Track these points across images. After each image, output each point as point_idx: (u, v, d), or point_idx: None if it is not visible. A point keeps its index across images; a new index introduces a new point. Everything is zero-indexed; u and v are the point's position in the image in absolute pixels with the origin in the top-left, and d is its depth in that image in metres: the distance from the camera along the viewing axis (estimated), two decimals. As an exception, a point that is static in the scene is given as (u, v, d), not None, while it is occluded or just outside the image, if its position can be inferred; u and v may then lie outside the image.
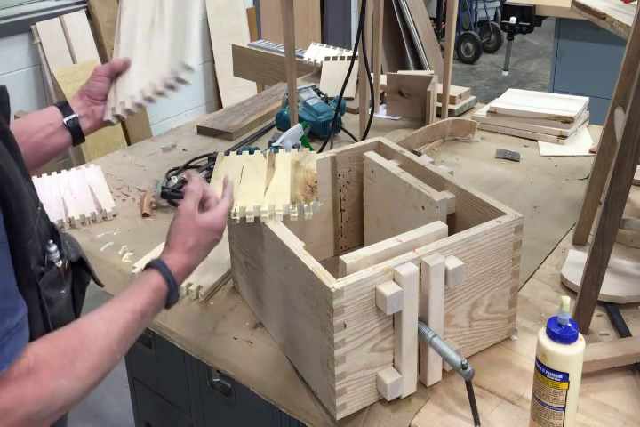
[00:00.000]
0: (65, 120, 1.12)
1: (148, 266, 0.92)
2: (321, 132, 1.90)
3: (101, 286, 1.06)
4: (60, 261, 0.86)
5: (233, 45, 2.68)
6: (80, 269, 0.95)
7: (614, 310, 1.20)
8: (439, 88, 2.00)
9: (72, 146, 1.16)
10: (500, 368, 1.09)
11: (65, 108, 1.13)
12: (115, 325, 0.79)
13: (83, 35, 3.24)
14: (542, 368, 0.90)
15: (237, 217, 1.07)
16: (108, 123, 1.16)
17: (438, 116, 2.00)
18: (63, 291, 0.86)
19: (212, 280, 1.32)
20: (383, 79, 2.15)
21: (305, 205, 1.07)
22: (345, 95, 1.83)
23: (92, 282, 1.03)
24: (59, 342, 0.74)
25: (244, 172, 1.18)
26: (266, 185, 1.13)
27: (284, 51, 1.88)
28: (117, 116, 1.14)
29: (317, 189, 1.11)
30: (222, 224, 1.01)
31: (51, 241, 0.85)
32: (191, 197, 0.99)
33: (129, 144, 3.28)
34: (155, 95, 1.11)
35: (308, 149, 1.24)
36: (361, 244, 1.40)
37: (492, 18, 6.35)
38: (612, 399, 1.02)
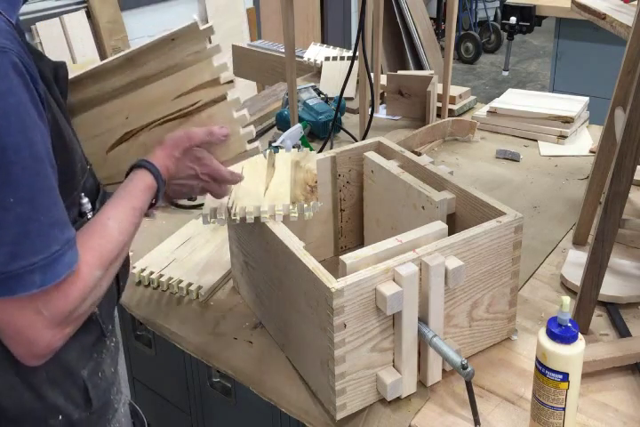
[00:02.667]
0: None
1: (137, 166, 0.95)
2: (321, 132, 1.90)
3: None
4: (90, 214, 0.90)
5: (233, 45, 2.68)
6: None
7: (614, 310, 1.20)
8: (439, 88, 2.00)
9: None
10: (500, 368, 1.09)
11: None
12: (123, 222, 0.87)
13: (83, 35, 3.24)
14: (542, 368, 0.90)
15: (237, 217, 1.07)
16: None
17: (438, 116, 2.00)
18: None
19: (212, 280, 1.32)
20: (383, 79, 2.15)
21: (305, 205, 1.07)
22: (345, 95, 1.83)
23: None
24: (86, 240, 0.82)
25: (243, 172, 1.18)
26: (266, 185, 1.13)
27: (284, 51, 1.88)
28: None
29: (317, 189, 1.11)
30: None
31: (82, 194, 0.89)
32: (189, 133, 0.99)
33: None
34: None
35: (307, 149, 1.24)
36: (361, 244, 1.40)
37: (492, 18, 6.35)
38: (612, 399, 1.02)
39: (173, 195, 1.05)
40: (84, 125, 1.03)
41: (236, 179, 1.05)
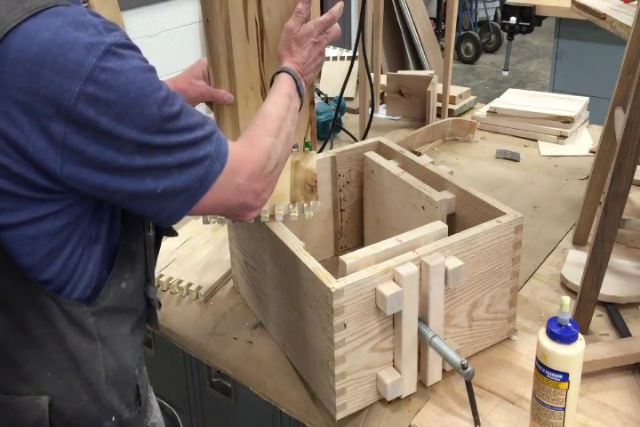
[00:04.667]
0: None
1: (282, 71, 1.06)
2: (321, 132, 1.90)
3: (175, 234, 1.11)
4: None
5: (233, 45, 2.67)
6: None
7: (614, 310, 1.20)
8: (439, 88, 2.00)
9: None
10: (500, 368, 1.09)
11: None
12: (277, 103, 1.00)
13: (83, 35, 3.23)
14: (542, 368, 0.90)
15: None
16: None
17: (438, 116, 2.00)
18: (150, 232, 0.98)
19: (212, 280, 1.32)
20: (383, 79, 2.15)
21: (305, 205, 1.07)
22: (345, 95, 1.82)
23: None
24: (252, 121, 0.97)
25: None
26: None
27: (284, 51, 1.87)
28: None
29: (317, 188, 1.11)
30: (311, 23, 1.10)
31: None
32: (297, 17, 1.08)
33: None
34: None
35: (307, 148, 1.24)
36: (361, 244, 1.40)
37: (492, 18, 6.35)
38: (612, 399, 1.02)
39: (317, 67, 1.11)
40: None
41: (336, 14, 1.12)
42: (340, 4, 1.12)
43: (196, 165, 0.82)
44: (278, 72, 1.05)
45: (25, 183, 0.75)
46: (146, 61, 0.80)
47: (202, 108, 1.26)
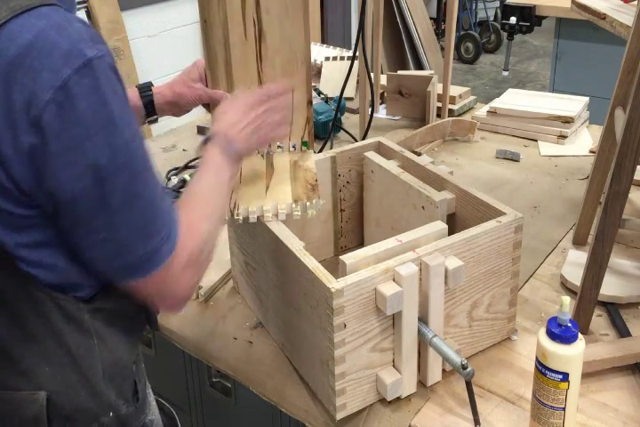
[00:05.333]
0: (147, 119, 1.20)
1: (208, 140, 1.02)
2: (321, 132, 1.90)
3: None
4: None
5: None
6: None
7: (614, 310, 1.20)
8: (439, 88, 2.00)
9: None
10: (500, 368, 1.09)
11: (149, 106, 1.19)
12: (209, 182, 0.96)
13: (83, 35, 3.23)
14: (542, 368, 0.90)
15: (240, 217, 1.07)
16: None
17: (438, 116, 2.00)
18: None
19: (212, 280, 1.32)
20: (383, 79, 2.15)
21: (308, 204, 1.07)
22: (345, 95, 1.82)
23: None
24: (185, 205, 0.91)
25: (242, 172, 1.18)
26: (266, 185, 1.13)
27: (284, 51, 1.87)
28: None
29: (318, 187, 1.11)
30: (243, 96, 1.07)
31: None
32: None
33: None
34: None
35: (305, 148, 1.24)
36: (361, 244, 1.40)
37: (492, 18, 6.35)
38: (612, 399, 1.02)
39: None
40: None
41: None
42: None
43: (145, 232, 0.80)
44: (206, 141, 1.02)
45: (15, 199, 0.74)
46: (124, 90, 0.78)
47: (200, 110, 1.27)
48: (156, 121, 1.21)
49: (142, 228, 0.80)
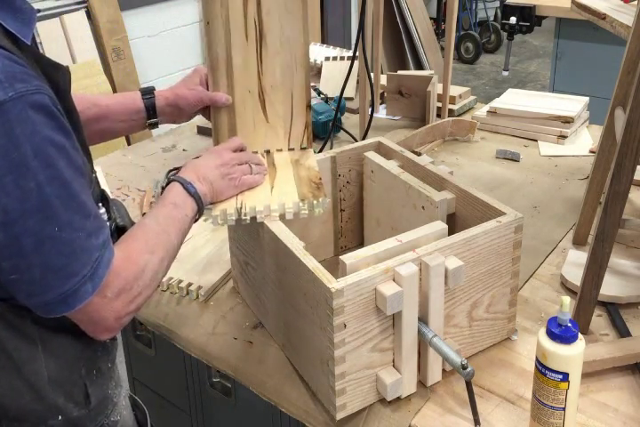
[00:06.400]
0: (148, 122, 1.21)
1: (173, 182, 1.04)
2: (321, 132, 1.90)
3: None
4: (107, 223, 0.94)
5: (233, 45, 2.67)
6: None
7: (614, 310, 1.20)
8: (439, 88, 2.00)
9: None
10: (500, 368, 1.09)
11: (150, 108, 1.20)
12: (158, 217, 0.97)
13: (83, 35, 3.24)
14: (542, 368, 0.90)
15: (247, 217, 1.06)
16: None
17: (438, 116, 2.00)
18: None
19: (212, 280, 1.32)
20: (383, 79, 2.15)
21: (315, 202, 1.07)
22: (345, 95, 1.82)
23: None
24: (131, 235, 0.93)
25: None
26: (271, 184, 1.13)
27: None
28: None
29: (323, 185, 1.11)
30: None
31: (100, 204, 0.94)
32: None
33: (129, 144, 3.28)
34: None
35: (305, 147, 1.24)
36: (361, 244, 1.40)
37: (492, 18, 6.35)
38: (612, 399, 1.02)
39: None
40: None
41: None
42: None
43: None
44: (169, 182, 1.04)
45: None
46: (59, 127, 0.77)
47: (200, 117, 1.27)
48: (156, 125, 1.22)
49: (60, 269, 0.78)
